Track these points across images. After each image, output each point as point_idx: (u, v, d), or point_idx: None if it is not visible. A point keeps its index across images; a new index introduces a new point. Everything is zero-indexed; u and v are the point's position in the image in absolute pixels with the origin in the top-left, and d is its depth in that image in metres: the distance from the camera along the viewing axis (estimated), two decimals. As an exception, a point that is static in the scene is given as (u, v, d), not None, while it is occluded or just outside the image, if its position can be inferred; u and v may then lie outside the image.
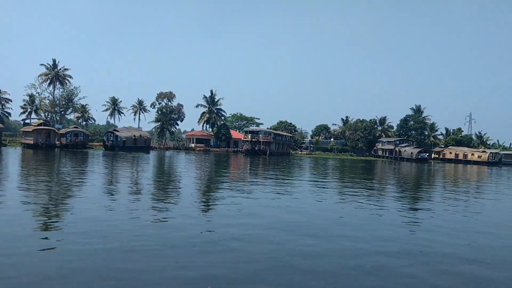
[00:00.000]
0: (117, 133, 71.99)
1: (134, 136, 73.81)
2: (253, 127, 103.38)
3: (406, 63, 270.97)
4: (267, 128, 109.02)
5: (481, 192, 26.78)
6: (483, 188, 30.72)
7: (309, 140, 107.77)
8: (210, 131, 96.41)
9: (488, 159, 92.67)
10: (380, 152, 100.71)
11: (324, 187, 24.05)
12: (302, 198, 18.21)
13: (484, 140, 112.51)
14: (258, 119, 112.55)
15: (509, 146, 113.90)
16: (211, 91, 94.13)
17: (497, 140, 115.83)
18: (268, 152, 75.89)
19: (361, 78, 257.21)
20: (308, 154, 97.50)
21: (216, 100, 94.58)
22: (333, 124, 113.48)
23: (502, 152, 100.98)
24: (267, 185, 23.12)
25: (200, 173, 30.64)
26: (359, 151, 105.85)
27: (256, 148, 79.13)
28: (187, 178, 25.80)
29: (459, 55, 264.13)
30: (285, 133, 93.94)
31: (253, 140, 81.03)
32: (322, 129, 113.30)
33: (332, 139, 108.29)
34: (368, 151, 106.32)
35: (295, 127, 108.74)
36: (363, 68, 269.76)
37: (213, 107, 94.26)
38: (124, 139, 70.46)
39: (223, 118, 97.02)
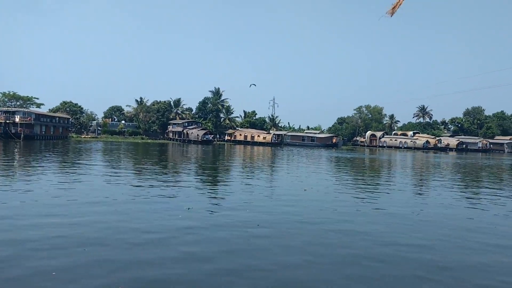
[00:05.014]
0: None
1: None
2: (33, 108, 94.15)
3: (213, 45, 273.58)
4: (49, 110, 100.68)
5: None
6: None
7: (96, 122, 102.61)
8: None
9: (271, 140, 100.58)
10: (171, 135, 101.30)
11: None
12: None
13: (276, 122, 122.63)
14: (37, 99, 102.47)
15: (298, 128, 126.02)
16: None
17: (288, 122, 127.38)
18: (22, 135, 68.77)
19: (160, 58, 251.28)
20: (93, 137, 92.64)
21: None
22: (127, 106, 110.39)
23: (289, 134, 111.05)
24: None
25: None
26: (153, 134, 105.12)
27: (13, 132, 71.13)
28: None
29: (262, 39, 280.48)
30: (58, 115, 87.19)
31: (7, 122, 72.63)
32: (115, 111, 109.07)
33: (123, 121, 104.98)
34: (162, 134, 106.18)
35: (81, 108, 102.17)
36: (162, 48, 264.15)
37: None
38: None
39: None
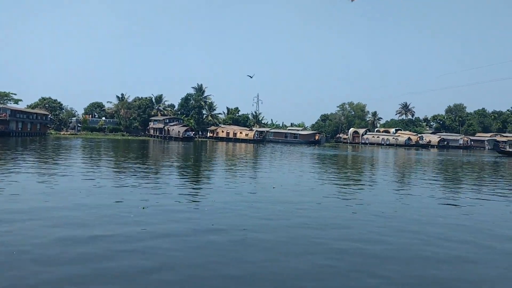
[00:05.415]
0: None
1: None
2: (10, 104, 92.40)
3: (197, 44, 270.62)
4: (27, 106, 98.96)
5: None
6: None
7: (76, 119, 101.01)
8: None
9: (254, 137, 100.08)
10: (152, 132, 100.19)
11: None
12: None
13: (260, 119, 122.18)
14: (15, 94, 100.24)
15: (282, 125, 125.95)
16: None
17: (271, 119, 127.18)
18: (-4, 132, 67.35)
19: (142, 54, 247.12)
20: (72, 134, 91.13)
21: None
22: (108, 102, 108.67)
23: (272, 131, 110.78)
24: None
25: None
26: (134, 131, 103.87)
27: (-13, 128, 69.54)
28: None
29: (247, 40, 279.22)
30: (36, 111, 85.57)
31: (-19, 118, 71.04)
32: (95, 107, 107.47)
33: (104, 118, 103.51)
34: (143, 130, 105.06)
35: (61, 105, 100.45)
36: (144, 44, 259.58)
37: None
38: None
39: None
